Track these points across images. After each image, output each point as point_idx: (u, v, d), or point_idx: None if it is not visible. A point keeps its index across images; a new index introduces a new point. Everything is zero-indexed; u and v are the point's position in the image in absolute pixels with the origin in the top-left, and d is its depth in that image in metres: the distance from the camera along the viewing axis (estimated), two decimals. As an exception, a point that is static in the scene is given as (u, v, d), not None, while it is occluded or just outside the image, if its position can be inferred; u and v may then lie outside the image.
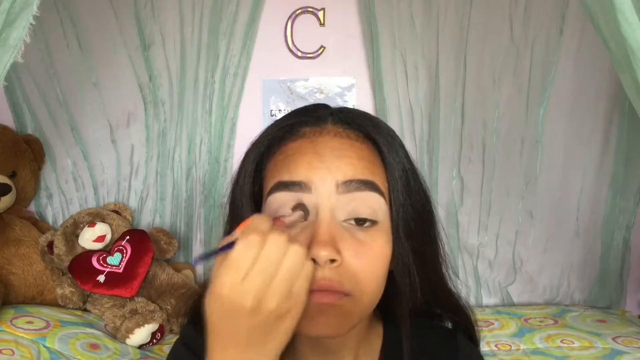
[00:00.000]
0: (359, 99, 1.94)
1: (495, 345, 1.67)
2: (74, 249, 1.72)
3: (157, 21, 1.86)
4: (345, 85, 1.94)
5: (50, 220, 1.99)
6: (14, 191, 1.78)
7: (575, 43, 1.83)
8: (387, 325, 0.70)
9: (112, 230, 1.76)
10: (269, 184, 0.61)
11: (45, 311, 1.61)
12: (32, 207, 1.97)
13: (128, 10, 1.85)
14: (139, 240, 1.75)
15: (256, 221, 0.52)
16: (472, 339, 0.73)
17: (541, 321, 1.80)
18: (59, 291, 1.69)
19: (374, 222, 0.58)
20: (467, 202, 1.96)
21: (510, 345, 1.67)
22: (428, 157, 1.91)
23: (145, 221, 2.01)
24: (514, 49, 1.84)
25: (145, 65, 1.89)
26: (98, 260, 1.70)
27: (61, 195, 1.98)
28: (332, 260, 0.55)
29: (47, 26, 1.81)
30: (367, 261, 0.57)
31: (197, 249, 2.01)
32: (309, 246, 0.54)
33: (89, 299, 1.70)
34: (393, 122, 1.86)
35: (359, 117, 0.65)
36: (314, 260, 0.54)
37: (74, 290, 1.68)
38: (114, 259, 1.70)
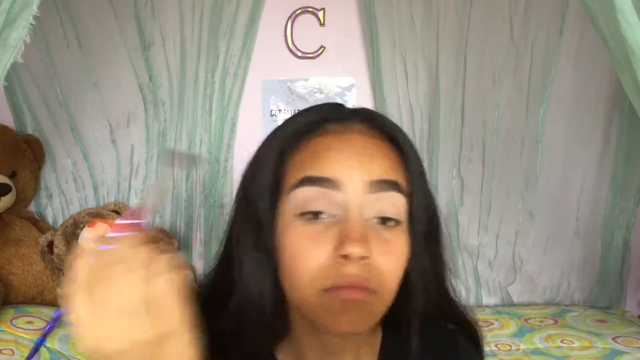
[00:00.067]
0: (359, 99, 1.93)
1: (495, 345, 1.67)
2: (74, 249, 1.72)
3: (157, 21, 1.86)
4: (345, 85, 1.94)
5: (50, 220, 1.98)
6: (14, 191, 1.78)
7: (575, 43, 1.83)
8: (386, 326, 0.70)
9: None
10: (293, 178, 0.60)
11: (45, 311, 1.62)
12: (32, 207, 1.97)
13: (128, 10, 1.85)
14: (139, 240, 1.75)
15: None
16: (476, 343, 0.73)
17: (541, 321, 1.79)
18: (59, 291, 1.69)
19: (397, 222, 0.59)
20: (467, 202, 1.95)
21: (510, 345, 1.67)
22: (428, 157, 1.91)
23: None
24: (514, 49, 1.84)
25: (145, 65, 1.89)
26: (98, 260, 1.69)
27: (61, 195, 1.98)
28: (363, 257, 0.55)
29: (47, 26, 1.81)
30: (393, 260, 0.58)
31: (197, 249, 2.01)
32: (339, 243, 0.55)
33: (89, 299, 1.70)
34: (393, 122, 1.86)
35: (378, 116, 0.65)
36: (345, 257, 0.54)
37: (74, 290, 1.68)
38: (114, 259, 1.70)
